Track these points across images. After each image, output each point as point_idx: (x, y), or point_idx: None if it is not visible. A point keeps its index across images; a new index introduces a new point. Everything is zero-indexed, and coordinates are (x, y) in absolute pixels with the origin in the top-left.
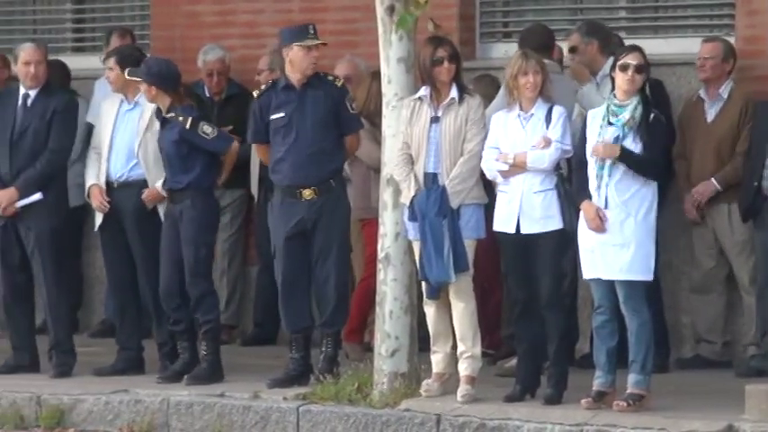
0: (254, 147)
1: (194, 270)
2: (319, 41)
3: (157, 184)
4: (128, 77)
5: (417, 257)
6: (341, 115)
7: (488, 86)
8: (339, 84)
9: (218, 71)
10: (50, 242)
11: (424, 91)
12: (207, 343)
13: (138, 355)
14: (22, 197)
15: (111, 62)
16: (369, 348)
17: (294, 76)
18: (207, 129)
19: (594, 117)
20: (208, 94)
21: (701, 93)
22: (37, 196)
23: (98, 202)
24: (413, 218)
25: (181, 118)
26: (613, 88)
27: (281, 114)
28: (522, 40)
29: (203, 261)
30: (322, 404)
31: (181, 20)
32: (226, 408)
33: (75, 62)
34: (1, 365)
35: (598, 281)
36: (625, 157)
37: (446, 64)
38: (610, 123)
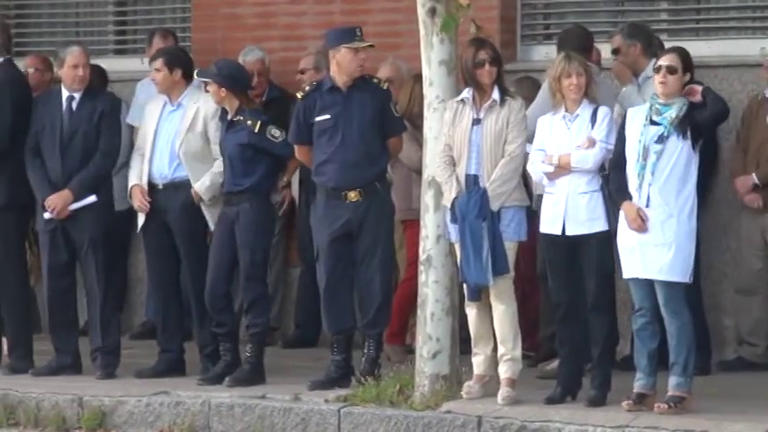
0: (296, 148)
1: (250, 273)
2: (367, 44)
3: (196, 185)
4: (197, 78)
5: (458, 260)
6: (385, 118)
7: (530, 88)
8: (384, 86)
9: (259, 71)
10: (103, 243)
11: (466, 93)
12: (252, 346)
13: (179, 356)
14: (76, 200)
15: (159, 63)
16: (410, 350)
17: (340, 78)
18: (275, 132)
19: (635, 116)
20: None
21: (767, 92)
22: (91, 198)
23: (139, 202)
24: (454, 220)
25: (249, 122)
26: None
27: (327, 116)
28: (560, 42)
29: (259, 264)
30: (363, 406)
31: (221, 22)
32: (267, 410)
33: (116, 64)
34: (43, 367)
35: (638, 282)
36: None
37: (488, 66)
38: (653, 122)
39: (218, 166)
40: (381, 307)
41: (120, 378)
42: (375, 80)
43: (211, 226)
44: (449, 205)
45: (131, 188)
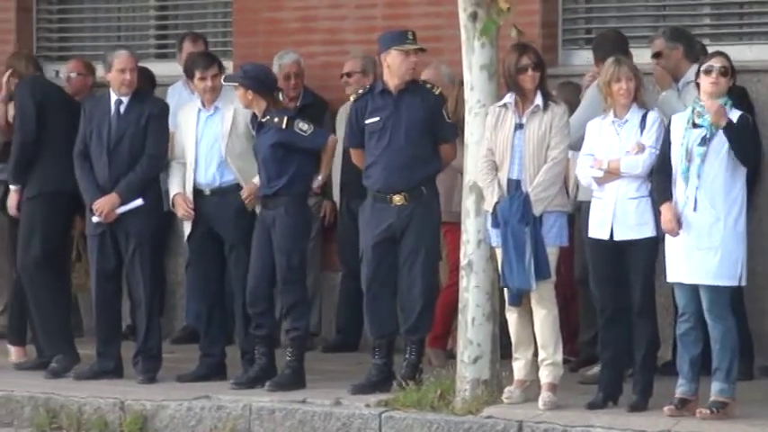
0: (351, 151)
1: (287, 277)
2: (418, 46)
3: (255, 179)
4: (223, 82)
5: (499, 264)
6: (436, 123)
7: (572, 93)
8: (436, 92)
9: (296, 73)
10: (149, 247)
11: (508, 98)
12: (293, 350)
13: (220, 361)
14: (123, 203)
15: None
16: (451, 355)
17: (391, 81)
18: (303, 126)
19: (678, 121)
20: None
21: None
22: (138, 202)
23: (183, 210)
24: (495, 224)
25: (276, 119)
26: (699, 92)
27: (377, 119)
28: (595, 46)
29: (297, 268)
30: (404, 411)
31: (263, 26)
32: (308, 414)
33: (158, 68)
34: (86, 371)
35: (683, 287)
36: (730, 127)
37: (530, 71)
38: (695, 126)
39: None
40: (423, 312)
41: (161, 382)
42: (428, 85)
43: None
44: (490, 210)
45: (174, 197)
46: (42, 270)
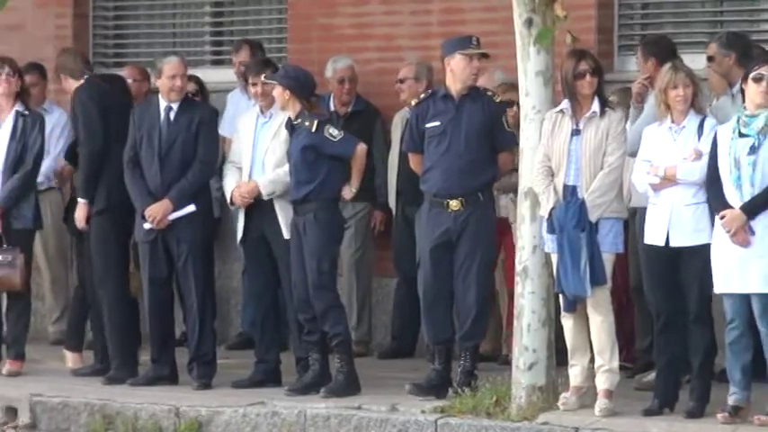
0: (409, 156)
1: (317, 283)
2: (481, 51)
3: (259, 177)
4: (263, 81)
5: (555, 270)
6: (495, 131)
7: (628, 99)
8: (497, 99)
9: (349, 78)
10: (201, 253)
11: (565, 104)
12: (339, 356)
13: (275, 367)
14: (175, 209)
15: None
16: (506, 361)
17: (454, 86)
18: (333, 131)
19: (724, 130)
20: (333, 108)
21: None
22: (191, 208)
23: (240, 198)
24: (551, 230)
25: (307, 122)
26: (743, 100)
27: (437, 123)
28: (643, 50)
29: (327, 274)
30: (460, 417)
31: (317, 33)
32: (363, 420)
33: (213, 75)
34: (141, 377)
35: (732, 295)
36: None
37: (588, 77)
38: (741, 135)
39: (287, 167)
40: (477, 319)
41: (216, 388)
42: (489, 92)
43: (284, 233)
44: (546, 215)
45: (231, 192)
46: (114, 281)
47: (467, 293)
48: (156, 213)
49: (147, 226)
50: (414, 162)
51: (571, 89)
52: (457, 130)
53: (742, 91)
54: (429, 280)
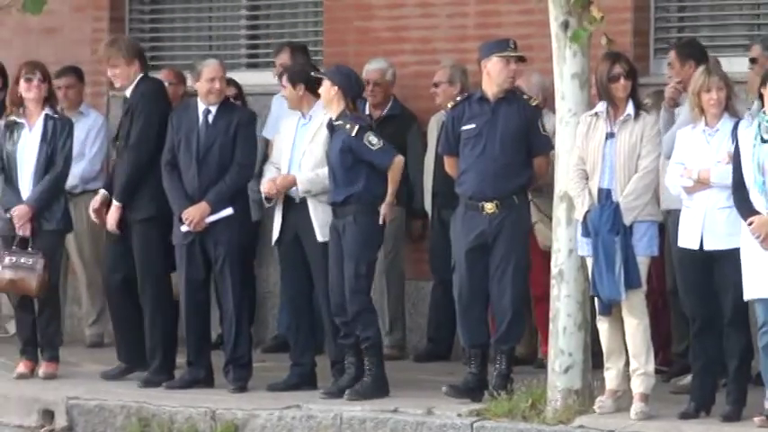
0: (444, 159)
1: (354, 286)
2: (518, 54)
3: (298, 174)
4: (312, 74)
5: (590, 273)
6: (531, 134)
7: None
8: (533, 103)
9: (375, 81)
10: (238, 256)
11: (600, 107)
12: (369, 358)
13: (311, 370)
14: (213, 212)
15: (283, 80)
16: (542, 365)
17: (490, 88)
18: (373, 139)
19: (746, 136)
20: (368, 112)
21: None
22: (228, 211)
23: (273, 188)
24: (586, 234)
25: (348, 125)
26: (762, 105)
27: (472, 126)
28: (680, 54)
29: (363, 277)
30: (496, 420)
31: (353, 35)
32: (399, 424)
33: (249, 78)
34: (177, 380)
35: (763, 300)
36: None
37: (622, 80)
38: (764, 140)
39: (327, 169)
40: (513, 322)
41: (252, 391)
42: (526, 96)
43: (318, 236)
44: (581, 219)
45: (267, 183)
46: (157, 286)
47: (502, 296)
48: (193, 216)
49: (184, 228)
50: (449, 165)
51: (606, 92)
52: (492, 133)
53: (760, 96)
54: (464, 283)
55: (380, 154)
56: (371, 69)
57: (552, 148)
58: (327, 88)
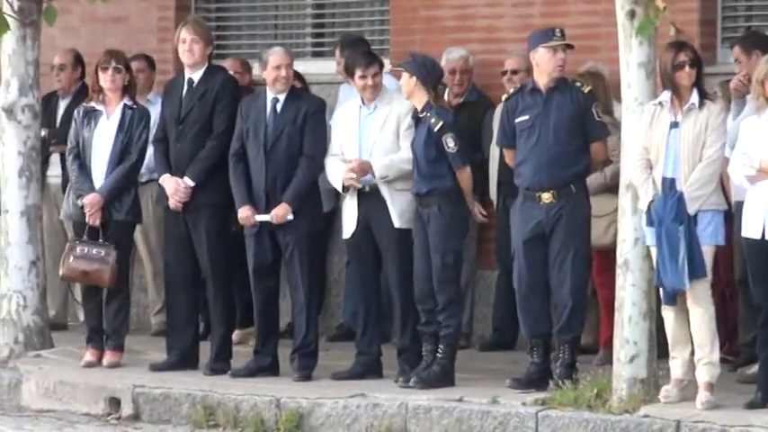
0: (503, 151)
1: (442, 276)
2: (564, 42)
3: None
4: (392, 67)
5: (655, 263)
6: (585, 122)
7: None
8: (586, 90)
9: (461, 69)
10: (308, 246)
11: (664, 96)
12: (444, 347)
13: (376, 359)
14: (294, 211)
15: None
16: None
17: (541, 79)
18: (450, 142)
19: None
20: (447, 99)
21: None
22: (266, 217)
23: (350, 175)
24: (650, 223)
25: (433, 119)
26: None
27: (526, 117)
28: (744, 44)
29: (451, 267)
30: (561, 410)
31: (420, 25)
32: (465, 413)
33: (314, 67)
34: (242, 368)
35: None
36: None
37: (687, 69)
38: None
39: (404, 152)
40: (574, 311)
41: (317, 380)
42: (578, 84)
43: (396, 222)
44: (645, 208)
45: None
46: (222, 274)
47: (562, 286)
48: (280, 218)
49: (259, 218)
50: (507, 157)
51: (670, 80)
52: (545, 124)
53: None
54: (523, 273)
55: (453, 158)
56: (455, 58)
57: (608, 133)
58: (406, 80)
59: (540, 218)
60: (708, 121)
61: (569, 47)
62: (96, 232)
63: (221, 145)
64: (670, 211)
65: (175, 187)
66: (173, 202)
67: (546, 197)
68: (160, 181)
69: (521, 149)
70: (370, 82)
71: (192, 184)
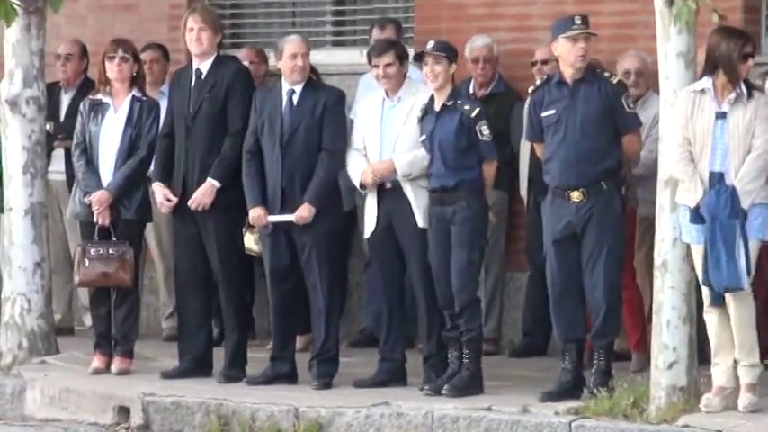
0: (534, 145)
1: (465, 275)
2: (585, 31)
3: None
4: (431, 51)
5: (699, 262)
6: (615, 113)
7: None
8: (615, 80)
9: (485, 58)
10: (327, 247)
11: (706, 83)
12: (469, 352)
13: (400, 365)
14: (318, 210)
15: (391, 56)
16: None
17: (566, 71)
18: (485, 130)
19: None
20: (472, 91)
21: None
22: (290, 217)
23: (372, 177)
24: (694, 220)
25: (467, 107)
26: None
27: (552, 111)
28: None
29: (475, 265)
30: (595, 419)
31: (446, 12)
32: (493, 422)
33: (334, 57)
34: (258, 375)
35: None
36: None
37: (750, 61)
38: None
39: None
40: (608, 315)
41: (337, 388)
42: (606, 74)
43: (419, 221)
44: (692, 205)
45: (364, 171)
46: (236, 276)
47: (594, 289)
48: (303, 220)
49: (272, 218)
50: (538, 151)
51: (732, 70)
52: (572, 118)
53: None
54: (555, 274)
55: (484, 148)
56: (479, 46)
57: (640, 124)
58: (446, 68)
59: (569, 218)
60: (756, 111)
61: (592, 35)
62: (108, 232)
63: (234, 142)
64: (724, 207)
65: (161, 201)
66: (164, 209)
67: (575, 196)
68: (153, 186)
69: (548, 145)
70: (380, 72)
71: (217, 185)
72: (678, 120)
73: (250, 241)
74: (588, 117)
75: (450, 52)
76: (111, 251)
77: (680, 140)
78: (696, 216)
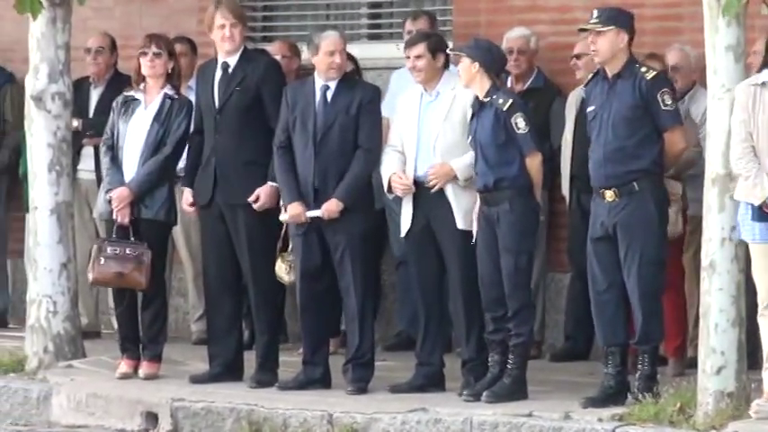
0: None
1: (514, 280)
2: (589, 26)
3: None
4: (449, 52)
5: (762, 261)
6: (651, 110)
7: None
8: (649, 75)
9: (519, 49)
10: (360, 247)
11: (766, 75)
12: (515, 357)
13: (438, 370)
14: (347, 206)
15: (421, 48)
16: (693, 364)
17: (606, 66)
18: (521, 122)
19: None
20: (510, 85)
21: None
22: (318, 212)
23: (402, 185)
24: (762, 218)
25: (501, 100)
26: None
27: (592, 108)
28: None
29: (524, 270)
30: (640, 425)
31: (485, 4)
32: (534, 428)
33: (370, 50)
34: (291, 380)
35: None
36: None
37: None
38: None
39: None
40: (647, 320)
41: (373, 393)
42: (643, 69)
43: (459, 223)
44: (758, 203)
45: (390, 177)
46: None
47: (633, 293)
48: (330, 214)
49: (282, 218)
50: None
51: None
52: (606, 115)
53: None
54: (596, 274)
55: (522, 140)
56: (514, 37)
57: (681, 121)
58: (467, 66)
59: (603, 218)
60: None
61: (583, 30)
62: (126, 231)
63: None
64: None
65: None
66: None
67: (609, 195)
68: (181, 184)
69: (591, 143)
70: (409, 64)
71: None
72: (739, 114)
73: (281, 270)
74: (621, 114)
75: (473, 51)
76: (128, 251)
77: (743, 136)
78: (762, 214)
